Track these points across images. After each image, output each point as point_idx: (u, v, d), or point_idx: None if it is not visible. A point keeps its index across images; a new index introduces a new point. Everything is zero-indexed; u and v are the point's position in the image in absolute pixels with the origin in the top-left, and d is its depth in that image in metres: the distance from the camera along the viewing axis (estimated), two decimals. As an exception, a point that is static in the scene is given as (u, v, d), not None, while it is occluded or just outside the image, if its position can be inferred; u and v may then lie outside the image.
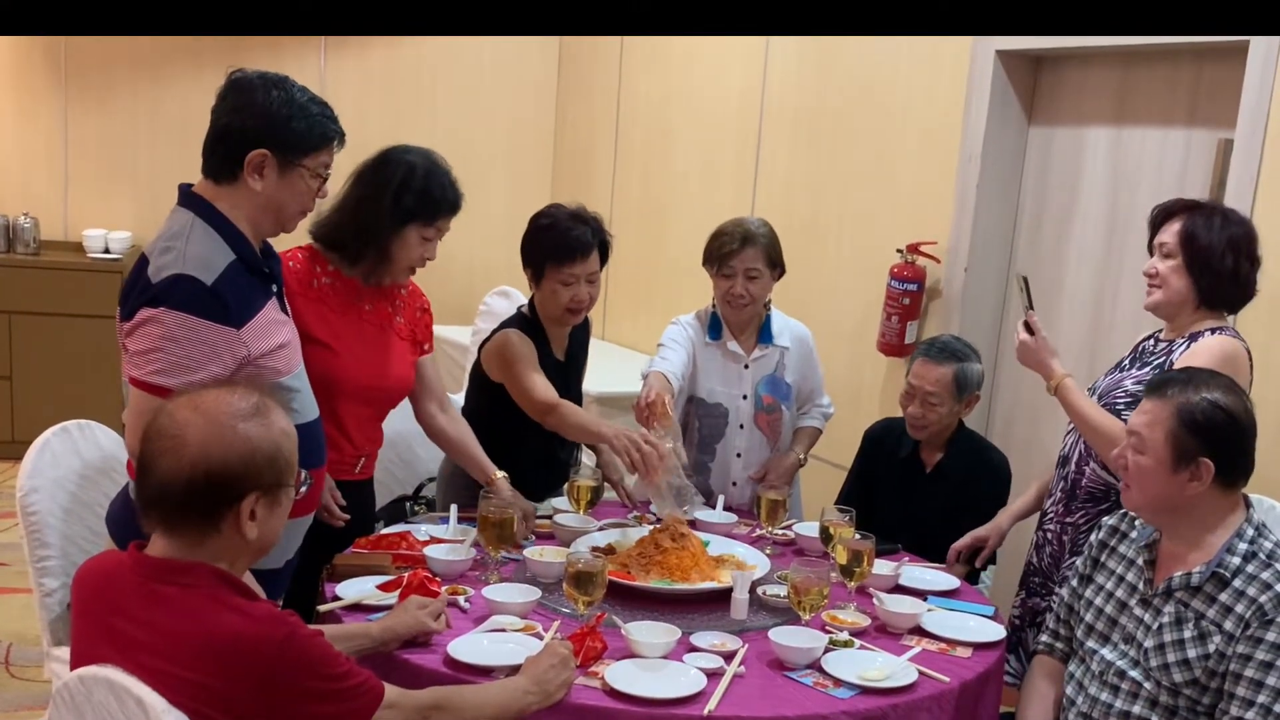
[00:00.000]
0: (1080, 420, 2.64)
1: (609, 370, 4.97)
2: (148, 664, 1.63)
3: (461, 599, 2.42)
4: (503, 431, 3.02)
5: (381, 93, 6.35)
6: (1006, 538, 3.14)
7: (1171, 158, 3.52)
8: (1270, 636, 2.05)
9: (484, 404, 3.10)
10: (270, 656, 1.63)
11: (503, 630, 2.28)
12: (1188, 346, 2.59)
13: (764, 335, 3.30)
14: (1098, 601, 2.33)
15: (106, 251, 6.04)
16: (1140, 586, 2.25)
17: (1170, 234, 2.62)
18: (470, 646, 2.17)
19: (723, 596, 2.48)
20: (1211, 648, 2.11)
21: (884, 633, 2.44)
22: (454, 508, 2.88)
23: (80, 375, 5.79)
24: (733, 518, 3.10)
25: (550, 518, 2.94)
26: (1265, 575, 2.10)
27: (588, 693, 2.06)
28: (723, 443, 3.32)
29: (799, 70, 4.74)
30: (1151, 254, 2.69)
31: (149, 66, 6.15)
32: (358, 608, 2.34)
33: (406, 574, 2.42)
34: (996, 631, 2.46)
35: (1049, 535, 2.83)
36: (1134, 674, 2.20)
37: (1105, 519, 2.43)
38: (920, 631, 2.43)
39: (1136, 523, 2.33)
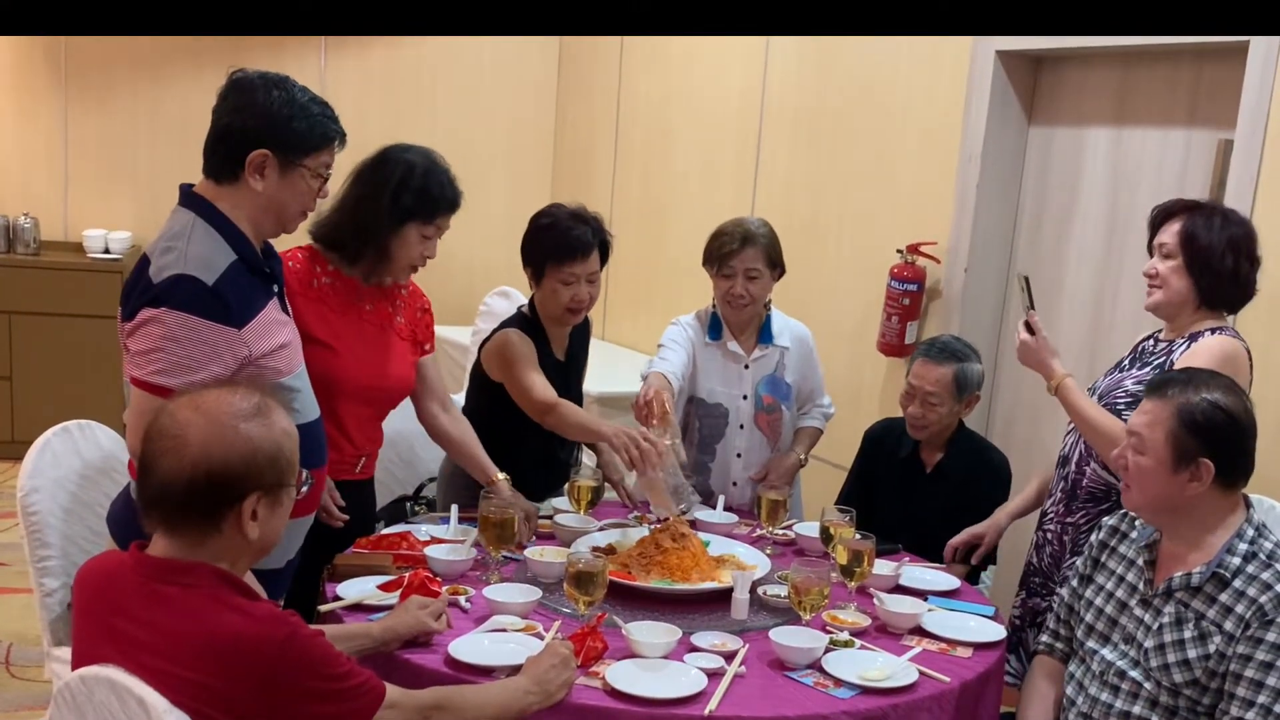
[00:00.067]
0: (1081, 420, 2.64)
1: (609, 370, 4.98)
2: (149, 664, 1.63)
3: (462, 599, 2.42)
4: (503, 431, 3.02)
5: (381, 93, 6.36)
6: (1007, 538, 3.15)
7: (1171, 158, 3.52)
8: (1270, 637, 2.06)
9: (484, 404, 3.10)
10: (271, 656, 1.63)
11: (503, 630, 2.28)
12: (1188, 346, 2.59)
13: (764, 335, 3.30)
14: (1098, 602, 2.33)
15: (106, 252, 6.04)
16: (1140, 587, 2.25)
17: (1170, 234, 2.62)
18: (471, 646, 2.17)
19: (723, 596, 2.49)
20: (1212, 648, 2.11)
21: (884, 633, 2.44)
22: (454, 508, 2.89)
23: (80, 375, 5.79)
24: (733, 518, 3.10)
25: (551, 518, 2.94)
26: (1265, 575, 2.10)
27: (588, 693, 2.06)
28: (723, 443, 3.32)
29: (799, 70, 4.74)
30: (1151, 254, 2.69)
31: (149, 66, 6.15)
32: (359, 608, 2.34)
33: (407, 574, 2.42)
34: (997, 631, 2.46)
35: (1049, 535, 2.83)
36: (1134, 674, 2.20)
37: (1105, 519, 2.43)
38: (921, 631, 2.44)
39: (1137, 523, 2.34)
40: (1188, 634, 2.14)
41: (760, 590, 2.55)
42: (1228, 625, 2.10)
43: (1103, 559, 2.37)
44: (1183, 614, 2.16)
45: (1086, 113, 3.80)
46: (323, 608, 2.36)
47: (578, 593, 2.30)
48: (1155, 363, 2.66)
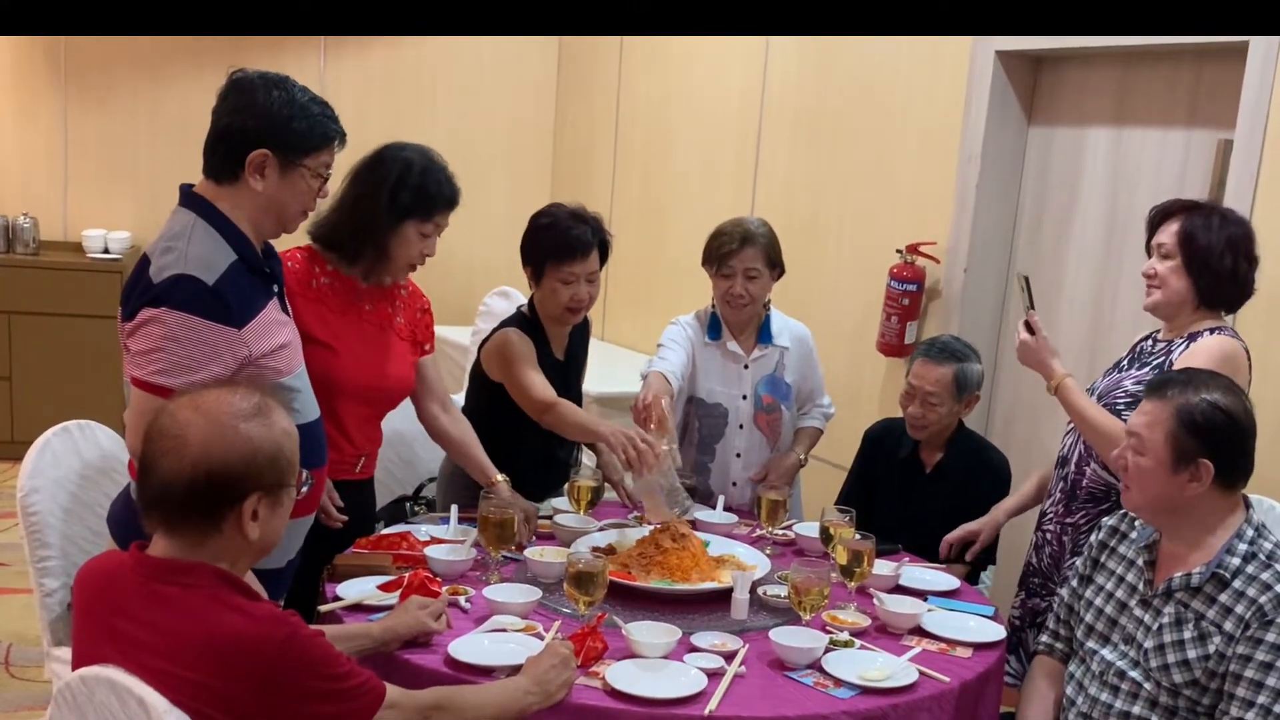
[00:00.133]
0: (1081, 420, 2.64)
1: (609, 370, 4.98)
2: (149, 664, 1.63)
3: (462, 599, 2.42)
4: (502, 431, 3.02)
5: (381, 93, 6.36)
6: (1006, 538, 3.15)
7: (1171, 158, 3.52)
8: (1270, 637, 2.06)
9: (484, 403, 3.10)
10: (271, 656, 1.63)
11: (503, 630, 2.28)
12: (1187, 346, 2.59)
13: (763, 335, 3.30)
14: (1097, 602, 2.33)
15: (106, 252, 6.04)
16: (1140, 587, 2.25)
17: (1169, 235, 2.63)
18: (471, 647, 2.17)
19: (723, 597, 2.49)
20: (1211, 648, 2.11)
21: (884, 633, 2.44)
22: (454, 508, 2.89)
23: (80, 375, 5.79)
24: (733, 518, 3.10)
25: (551, 518, 2.94)
26: (1265, 576, 2.10)
27: (588, 693, 2.06)
28: (722, 443, 3.32)
29: (799, 70, 4.74)
30: (1149, 255, 2.69)
31: (149, 66, 6.15)
32: (358, 608, 2.34)
33: (407, 574, 2.42)
34: (996, 632, 2.46)
35: (1048, 536, 2.83)
36: (1134, 674, 2.20)
37: (1105, 519, 2.43)
38: (920, 632, 2.44)
39: (1136, 523, 2.34)
40: (1187, 634, 2.14)
41: (760, 590, 2.55)
42: (1227, 625, 2.11)
43: (1102, 559, 2.37)
44: (1182, 614, 2.16)
45: (1086, 113, 3.80)
46: (323, 608, 2.36)
47: (578, 593, 2.30)
48: (1154, 363, 2.66)
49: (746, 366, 3.29)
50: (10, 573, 4.46)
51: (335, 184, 2.57)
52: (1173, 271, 2.62)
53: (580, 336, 3.23)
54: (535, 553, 2.63)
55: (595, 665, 2.15)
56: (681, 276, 5.04)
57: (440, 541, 2.74)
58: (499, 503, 2.62)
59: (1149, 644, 2.19)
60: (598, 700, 2.04)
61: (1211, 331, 2.59)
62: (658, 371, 3.09)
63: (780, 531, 3.00)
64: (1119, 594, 2.29)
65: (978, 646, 2.38)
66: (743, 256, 3.17)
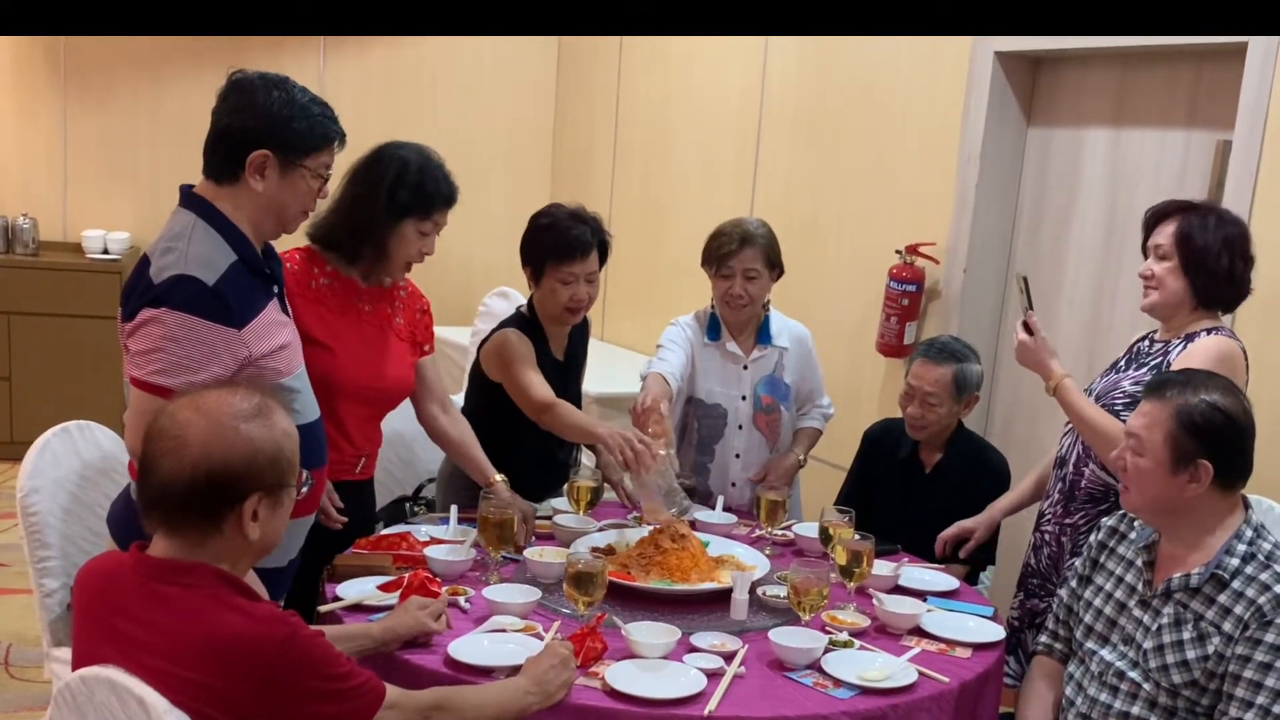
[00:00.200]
0: (1079, 421, 2.64)
1: (608, 371, 4.98)
2: (149, 664, 1.64)
3: (462, 599, 2.43)
4: (501, 431, 3.03)
5: (381, 93, 6.36)
6: (1005, 539, 3.15)
7: (1170, 159, 3.52)
8: (1269, 638, 2.06)
9: (483, 404, 3.10)
10: (271, 656, 1.63)
11: (503, 631, 2.28)
12: (1184, 347, 2.59)
13: (763, 336, 3.30)
14: (1096, 602, 2.33)
15: (105, 252, 6.04)
16: (1139, 588, 2.26)
17: (1165, 235, 2.63)
18: (471, 647, 2.17)
19: (722, 597, 2.49)
20: (1210, 649, 2.11)
21: (884, 633, 2.44)
22: (454, 508, 2.89)
23: (80, 376, 5.79)
24: (732, 518, 3.10)
25: (550, 518, 2.94)
26: (1264, 576, 2.11)
27: (588, 693, 2.06)
28: (721, 443, 3.32)
29: (798, 70, 4.74)
30: (1146, 256, 2.70)
31: (148, 67, 6.15)
32: (358, 608, 2.34)
33: (407, 574, 2.42)
34: (996, 632, 2.46)
35: (1047, 537, 2.84)
36: (1133, 675, 2.20)
37: (1104, 520, 2.43)
38: (920, 632, 2.44)
39: (1135, 524, 2.34)
40: (1186, 635, 2.14)
41: (759, 591, 2.55)
42: (1226, 626, 2.11)
43: (1101, 560, 2.37)
44: (1181, 615, 2.16)
45: (1085, 113, 3.80)
46: (322, 608, 2.36)
47: (577, 593, 2.30)
48: (1152, 363, 2.66)
49: (746, 367, 3.29)
50: (10, 573, 4.46)
51: (333, 185, 2.57)
52: (1170, 272, 2.62)
53: (579, 337, 3.23)
54: (535, 553, 2.63)
55: (595, 665, 2.15)
56: (681, 277, 5.04)
57: (440, 542, 2.74)
58: (498, 503, 2.62)
59: (1148, 644, 2.19)
60: (597, 700, 2.04)
61: (1209, 332, 2.59)
62: (656, 373, 3.09)
63: (779, 532, 3.00)
64: (1118, 594, 2.30)
65: (977, 647, 2.39)
66: (742, 257, 3.17)
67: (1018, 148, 4.00)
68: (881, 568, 2.67)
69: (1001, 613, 2.69)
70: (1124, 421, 2.48)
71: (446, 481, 3.16)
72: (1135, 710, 2.19)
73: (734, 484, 3.34)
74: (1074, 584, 2.41)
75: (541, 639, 2.25)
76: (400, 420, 3.04)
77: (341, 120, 2.33)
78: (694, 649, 2.25)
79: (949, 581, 2.77)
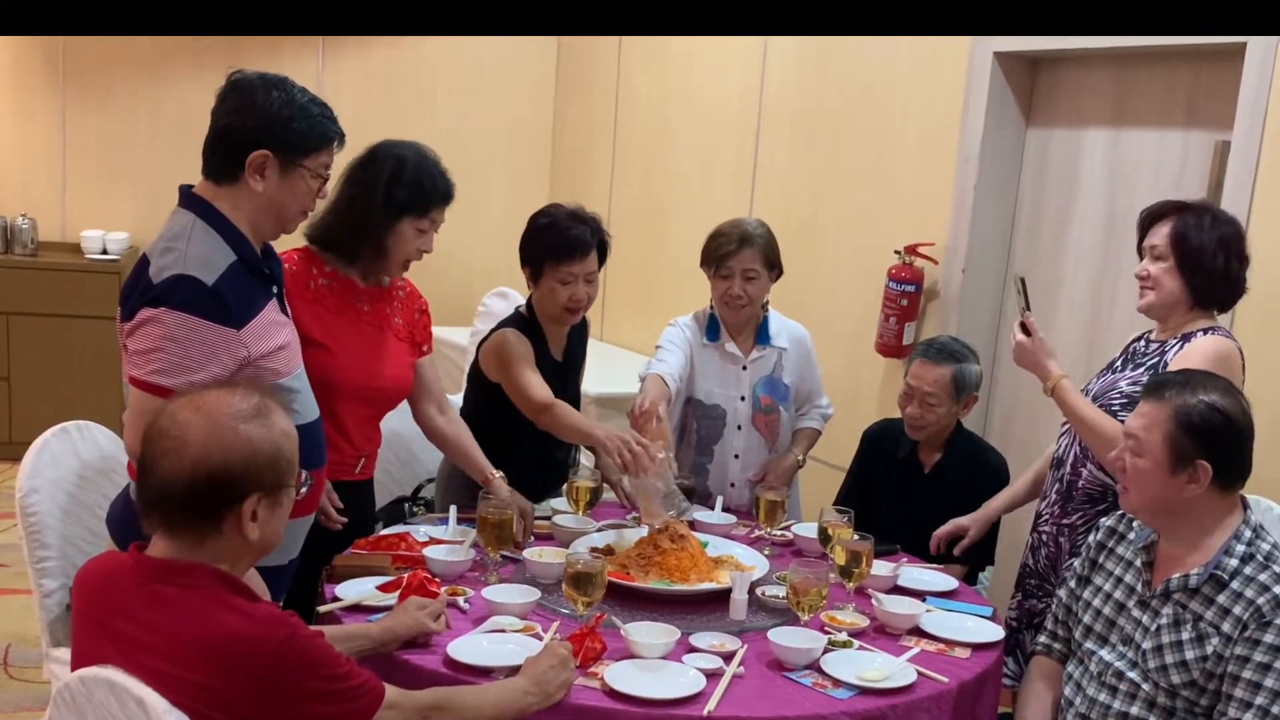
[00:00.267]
0: (1078, 422, 2.64)
1: (607, 371, 4.98)
2: (148, 664, 1.64)
3: (461, 600, 2.43)
4: (500, 432, 3.03)
5: (380, 93, 6.36)
6: (1004, 539, 3.15)
7: (1169, 159, 3.53)
8: (1268, 638, 2.06)
9: (481, 404, 3.10)
10: (271, 657, 1.63)
11: (502, 631, 2.28)
12: (1181, 347, 2.60)
13: (761, 336, 3.30)
14: (1095, 603, 2.33)
15: (104, 253, 6.04)
16: (1138, 588, 2.26)
17: (1161, 236, 2.63)
18: (470, 647, 2.17)
19: (722, 597, 2.49)
20: (1209, 649, 2.11)
21: (883, 633, 2.44)
22: (453, 509, 2.89)
23: (79, 376, 5.79)
24: (731, 519, 3.10)
25: (549, 518, 2.94)
26: (1263, 577, 2.11)
27: (587, 693, 2.06)
28: (720, 444, 3.32)
29: (798, 70, 4.74)
30: (1141, 257, 2.70)
31: (147, 67, 6.14)
32: (357, 608, 2.34)
33: (406, 575, 2.42)
34: (995, 632, 2.46)
35: (1044, 537, 2.84)
36: (1132, 675, 2.20)
37: (1103, 520, 2.43)
38: (919, 632, 2.44)
39: (1134, 524, 2.34)
40: (1185, 635, 2.14)
41: (759, 591, 2.55)
42: (1225, 626, 2.11)
43: (1100, 560, 2.37)
44: (1180, 615, 2.16)
45: (1084, 114, 3.80)
46: (321, 609, 2.36)
47: (576, 593, 2.30)
48: (1148, 363, 2.67)
49: (745, 368, 3.29)
50: (9, 573, 4.46)
51: (329, 185, 2.57)
52: (1166, 272, 2.62)
53: (578, 337, 3.23)
54: (534, 553, 2.63)
55: (594, 666, 2.15)
56: (680, 277, 5.04)
57: (439, 542, 2.74)
58: (497, 503, 2.62)
59: (1147, 645, 2.19)
60: (596, 701, 2.04)
61: (1205, 332, 2.60)
62: (655, 375, 3.09)
63: (778, 532, 3.00)
64: (1117, 595, 2.30)
65: (976, 647, 2.39)
66: (741, 258, 3.17)
67: (1016, 148, 4.00)
68: (880, 568, 2.67)
69: (1000, 613, 2.70)
70: (1122, 422, 2.49)
71: (445, 482, 3.16)
72: (1134, 710, 2.19)
73: (733, 484, 3.34)
74: (1073, 584, 2.41)
75: (540, 639, 2.25)
76: (399, 421, 3.04)
77: (340, 121, 2.33)
78: (693, 649, 2.25)
79: (948, 582, 2.77)
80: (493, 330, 3.08)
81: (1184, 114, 3.49)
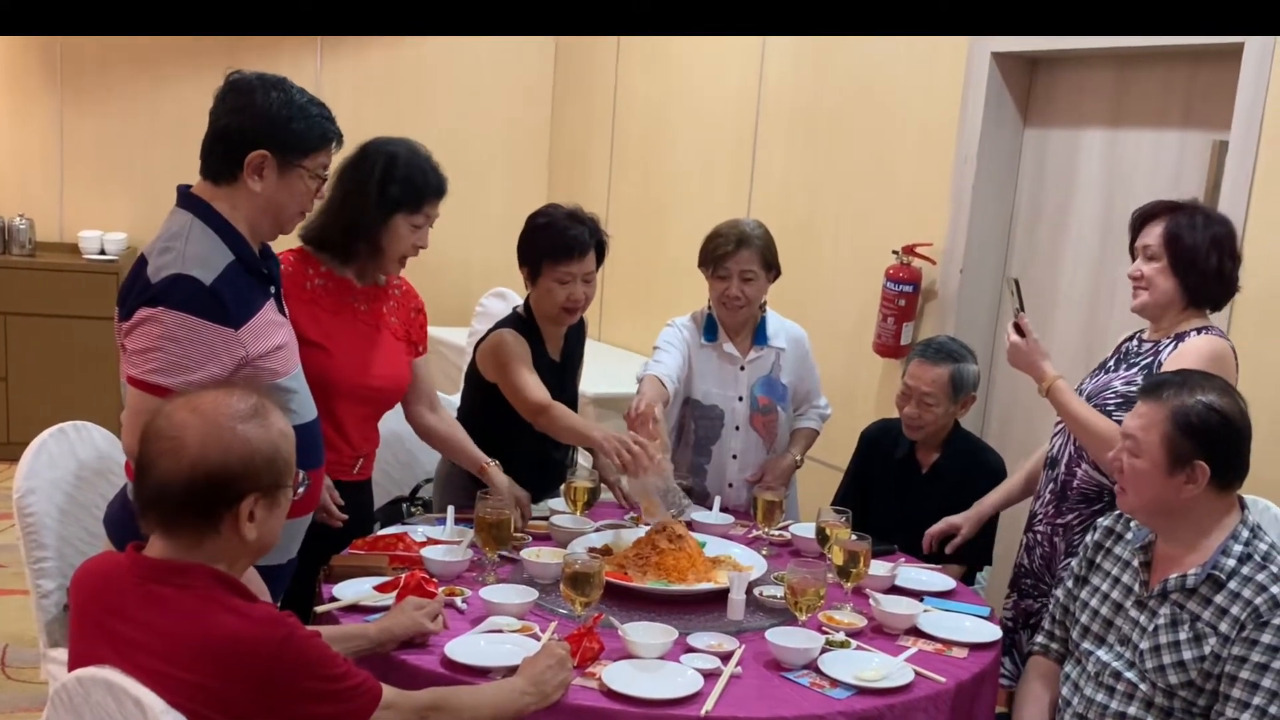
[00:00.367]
0: (1073, 422, 2.64)
1: (605, 371, 4.98)
2: (146, 665, 1.64)
3: (458, 600, 2.43)
4: (497, 433, 3.02)
5: (378, 93, 6.35)
6: (1002, 539, 3.15)
7: (1166, 159, 3.53)
8: (1265, 638, 2.06)
9: (478, 405, 3.10)
10: (268, 657, 1.63)
11: (500, 631, 2.28)
12: (1174, 347, 2.60)
13: (759, 337, 3.30)
14: (1093, 603, 2.33)
15: (102, 253, 6.04)
16: (1136, 588, 2.26)
17: (1153, 236, 2.64)
18: (467, 647, 2.17)
19: (719, 597, 2.49)
20: (1207, 649, 2.11)
21: (880, 633, 2.44)
22: (451, 509, 2.89)
23: (76, 376, 5.79)
24: (729, 519, 3.10)
25: (547, 519, 2.94)
26: (1260, 577, 2.11)
27: (585, 693, 2.06)
28: (718, 444, 3.32)
29: (795, 70, 4.74)
30: (1134, 257, 2.71)
31: (145, 67, 6.14)
32: (355, 609, 2.34)
33: (403, 575, 2.43)
34: (992, 632, 2.46)
35: (1039, 537, 2.84)
36: (1129, 675, 2.20)
37: (1100, 520, 2.43)
38: (916, 632, 2.44)
39: (1132, 524, 2.34)
40: (1183, 635, 2.14)
41: (756, 591, 2.55)
42: (1223, 627, 2.11)
43: (1098, 560, 2.38)
44: (1178, 615, 2.16)
45: (1082, 114, 3.80)
46: (319, 609, 2.36)
47: (574, 593, 2.30)
48: (1142, 363, 2.67)
49: (743, 368, 3.29)
50: (6, 574, 4.45)
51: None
52: (1159, 272, 2.63)
53: (576, 337, 3.23)
54: (532, 553, 2.63)
55: (591, 666, 2.15)
56: (678, 277, 5.04)
57: (437, 542, 2.74)
58: (495, 504, 2.62)
59: (1144, 645, 2.19)
60: (594, 701, 2.04)
61: (1199, 331, 2.60)
62: (652, 376, 3.09)
63: (776, 532, 3.01)
64: (1114, 595, 2.30)
65: (973, 647, 2.39)
66: (738, 258, 3.17)
67: (1014, 148, 4.00)
68: (878, 568, 2.67)
69: (995, 613, 2.70)
70: (1116, 421, 2.49)
71: (443, 482, 3.16)
72: (1132, 710, 2.19)
73: (731, 485, 3.34)
74: (1070, 584, 2.41)
75: (538, 639, 2.25)
76: (397, 421, 3.04)
77: (338, 121, 2.33)
78: (691, 649, 2.25)
79: (945, 582, 2.77)
80: (490, 330, 3.08)
81: (1181, 114, 3.49)
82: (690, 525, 2.91)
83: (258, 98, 2.22)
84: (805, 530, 2.97)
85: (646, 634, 2.25)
